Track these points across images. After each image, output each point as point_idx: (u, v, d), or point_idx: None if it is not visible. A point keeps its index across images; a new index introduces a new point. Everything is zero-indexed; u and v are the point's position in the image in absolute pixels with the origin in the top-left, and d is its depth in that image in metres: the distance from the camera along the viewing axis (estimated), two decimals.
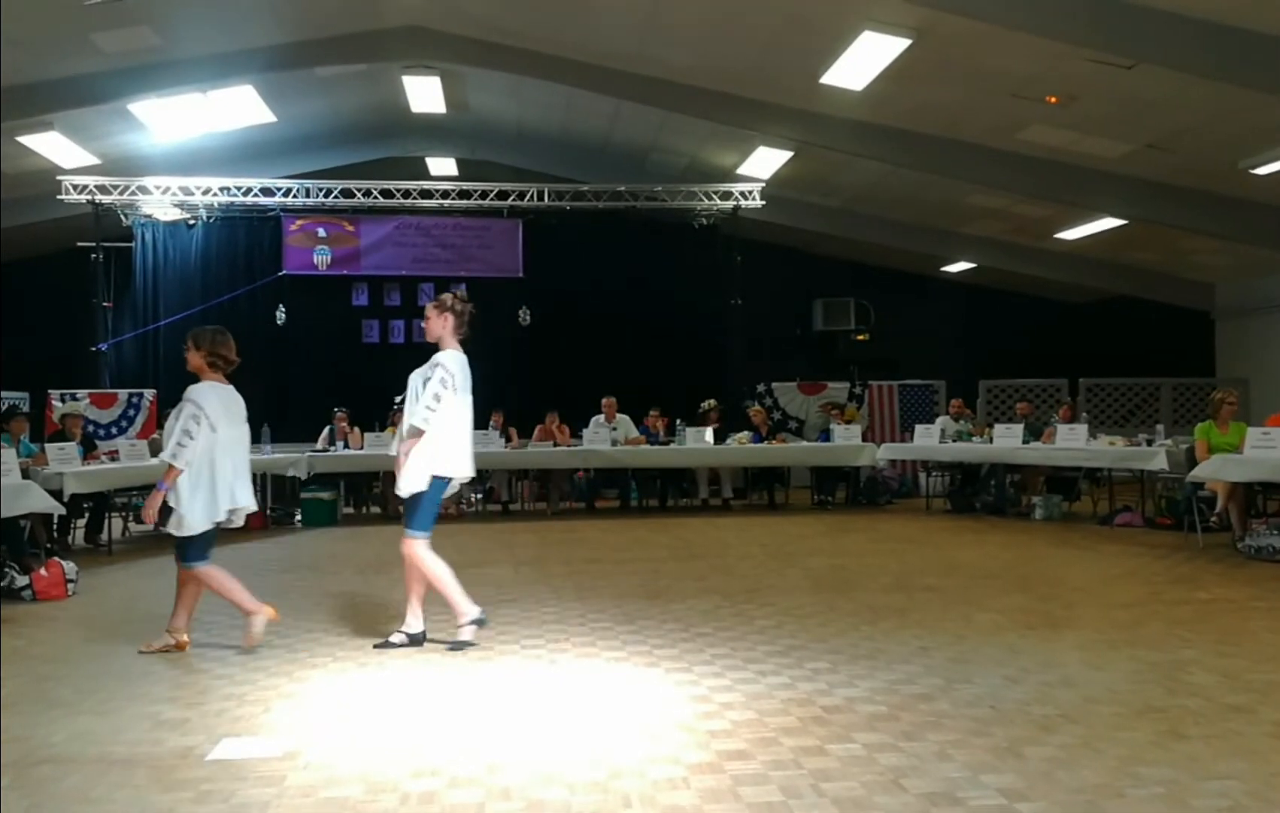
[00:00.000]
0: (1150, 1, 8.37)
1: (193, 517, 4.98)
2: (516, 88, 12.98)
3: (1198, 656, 4.69)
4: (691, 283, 15.07)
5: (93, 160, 13.37)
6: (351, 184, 14.60)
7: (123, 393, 13.74)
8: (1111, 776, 3.18)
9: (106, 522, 9.52)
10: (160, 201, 14.42)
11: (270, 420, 11.82)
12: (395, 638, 5.12)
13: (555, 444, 12.29)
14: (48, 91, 10.97)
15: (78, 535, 9.58)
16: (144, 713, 4.05)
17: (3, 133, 11.11)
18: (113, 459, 9.84)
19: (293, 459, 11.19)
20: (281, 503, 11.78)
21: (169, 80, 11.23)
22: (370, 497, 12.58)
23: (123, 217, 14.39)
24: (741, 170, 14.63)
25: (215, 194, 14.39)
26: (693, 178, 15.14)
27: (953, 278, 17.79)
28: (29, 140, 12.06)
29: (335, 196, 14.58)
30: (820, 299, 17.06)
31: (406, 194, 14.70)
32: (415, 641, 5.11)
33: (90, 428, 12.14)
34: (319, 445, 11.95)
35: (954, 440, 11.91)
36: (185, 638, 5.10)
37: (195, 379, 5.19)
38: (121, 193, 14.10)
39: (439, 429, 5.02)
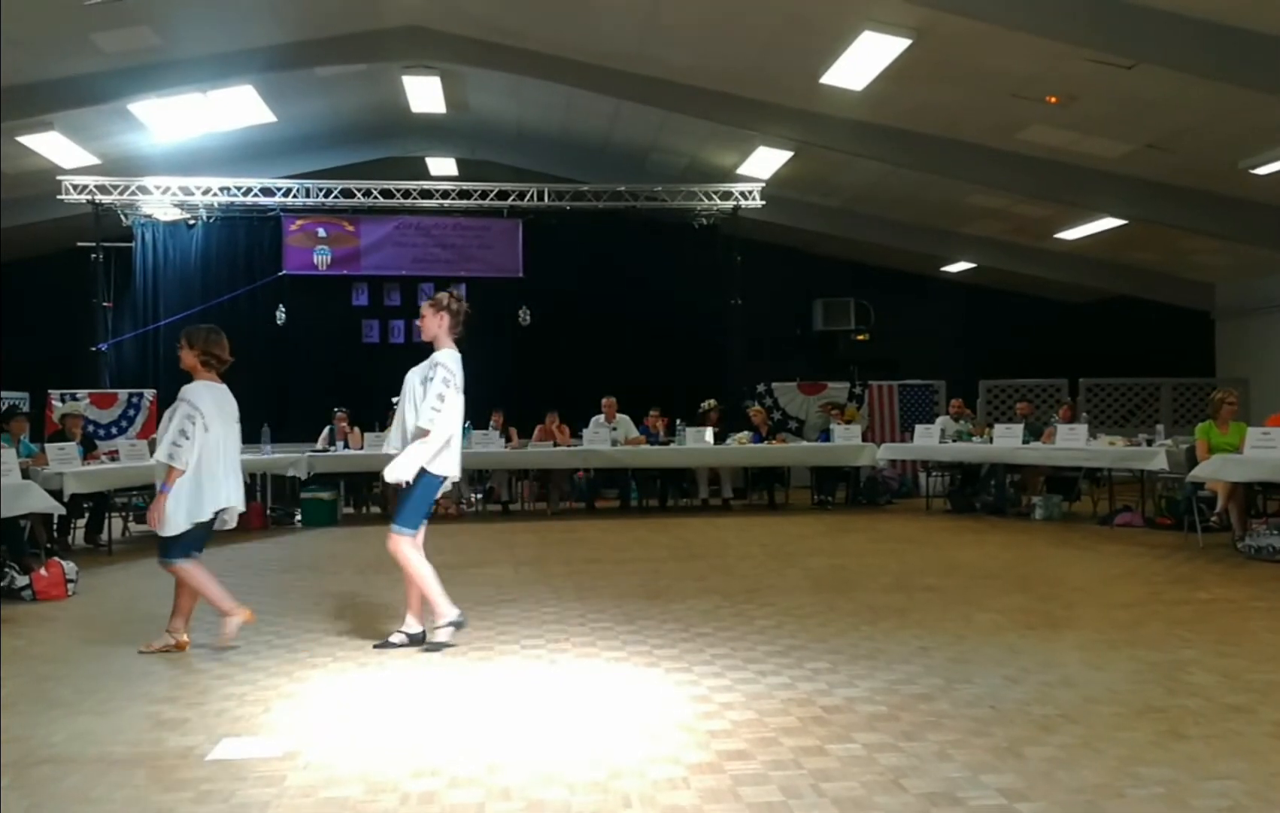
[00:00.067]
0: (1150, 1, 8.37)
1: (176, 516, 4.97)
2: (516, 88, 12.98)
3: (1198, 656, 4.69)
4: (691, 283, 15.07)
5: (93, 160, 13.38)
6: (351, 184, 14.60)
7: (123, 393, 13.74)
8: (1111, 776, 3.18)
9: (106, 522, 9.53)
10: (160, 201, 14.42)
11: (270, 420, 11.84)
12: (395, 638, 5.12)
13: (555, 444, 12.29)
14: (48, 91, 10.97)
15: (78, 535, 9.59)
16: (144, 713, 4.05)
17: (3, 133, 11.11)
18: (113, 459, 9.84)
19: (293, 459, 11.19)
20: (281, 503, 11.79)
21: (169, 80, 11.23)
22: (370, 497, 12.58)
23: (123, 217, 14.39)
24: (741, 170, 14.63)
25: (215, 194, 14.39)
26: (693, 178, 15.14)
27: (953, 278, 17.79)
28: (29, 140, 12.06)
29: (335, 197, 14.58)
30: (820, 299, 17.06)
31: (406, 194, 14.70)
32: (415, 640, 5.11)
33: (90, 428, 12.15)
34: (319, 445, 11.96)
35: (954, 440, 11.91)
36: (185, 638, 5.10)
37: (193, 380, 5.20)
38: (121, 193, 14.11)
39: (442, 429, 5.01)
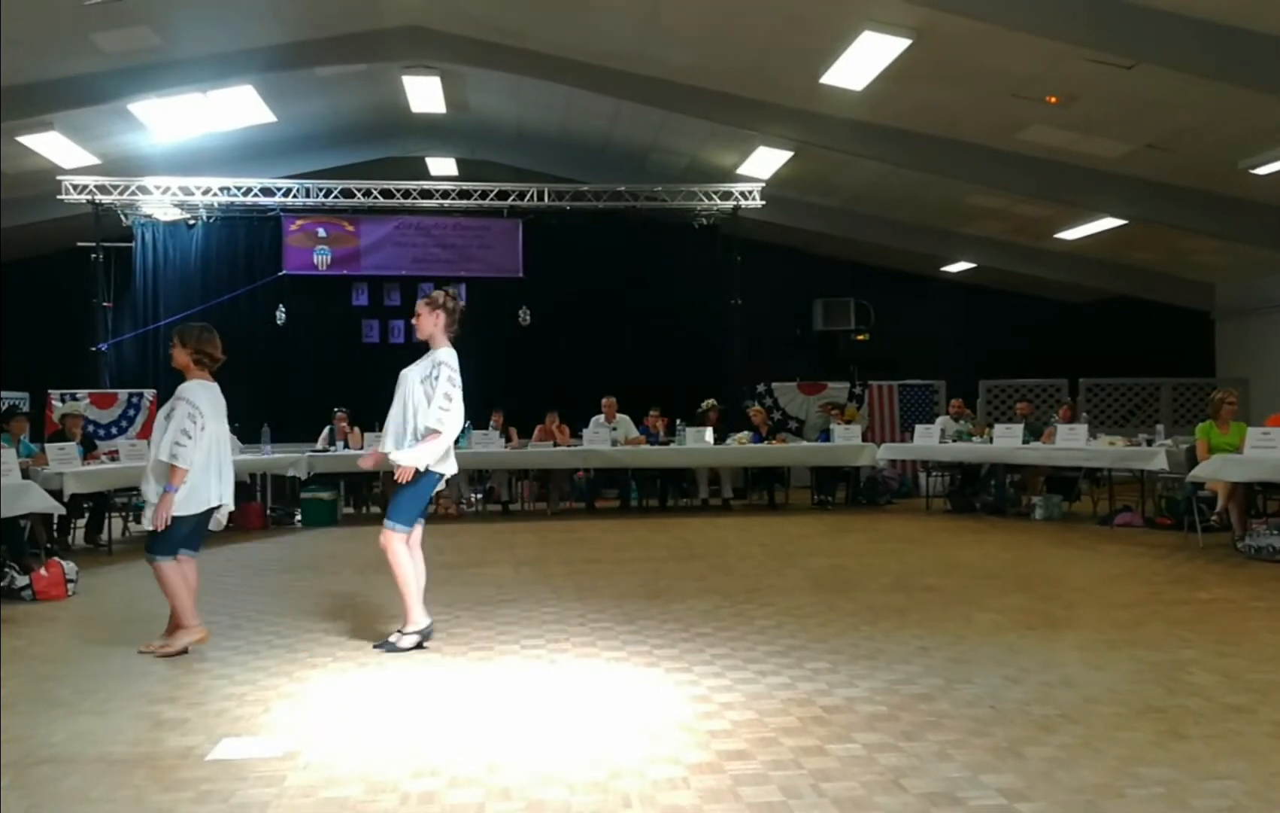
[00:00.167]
0: (1150, 1, 8.37)
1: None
2: (516, 88, 12.98)
3: (1198, 656, 4.69)
4: (691, 283, 15.07)
5: (93, 160, 13.37)
6: (351, 184, 14.60)
7: (123, 393, 13.74)
8: (1111, 776, 3.18)
9: (106, 522, 9.52)
10: (160, 201, 14.42)
11: (270, 420, 11.83)
12: (404, 643, 5.08)
13: (555, 444, 12.29)
14: (48, 91, 10.97)
15: (78, 535, 9.59)
16: (144, 713, 4.05)
17: (3, 133, 11.11)
18: (113, 459, 9.84)
19: (293, 459, 11.20)
20: (281, 503, 11.79)
21: (169, 80, 11.23)
22: (370, 497, 12.57)
23: (123, 217, 14.39)
24: (741, 170, 14.63)
25: (215, 194, 14.39)
26: (693, 178, 15.14)
27: (953, 278, 17.79)
28: (29, 140, 12.06)
29: (335, 197, 14.58)
30: (820, 299, 17.06)
31: (406, 194, 14.70)
32: (425, 636, 5.09)
33: (90, 428, 12.14)
34: (319, 445, 11.95)
35: (954, 440, 11.91)
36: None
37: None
38: (121, 193, 14.10)
39: (451, 428, 5.01)
